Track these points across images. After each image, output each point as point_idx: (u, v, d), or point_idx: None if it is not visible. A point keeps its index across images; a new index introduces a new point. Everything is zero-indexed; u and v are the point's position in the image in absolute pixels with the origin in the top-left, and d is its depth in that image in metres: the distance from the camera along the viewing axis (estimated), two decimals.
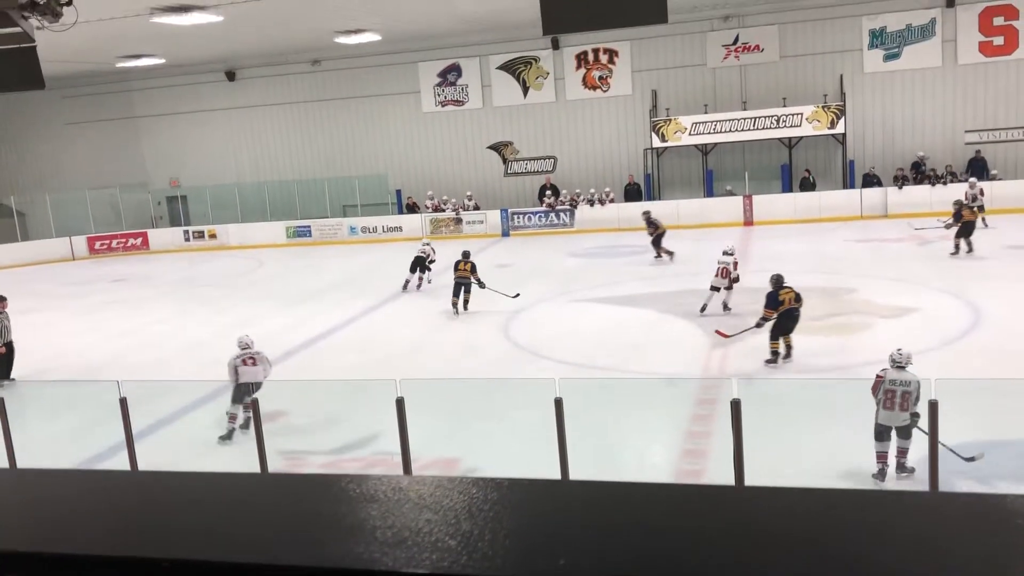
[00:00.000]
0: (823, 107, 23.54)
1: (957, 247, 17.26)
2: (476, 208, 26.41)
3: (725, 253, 14.07)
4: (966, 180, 21.69)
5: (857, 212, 22.59)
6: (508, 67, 27.30)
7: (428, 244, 18.45)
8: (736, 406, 5.42)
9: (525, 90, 27.30)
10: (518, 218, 25.69)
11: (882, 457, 7.58)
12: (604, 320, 14.48)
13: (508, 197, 27.62)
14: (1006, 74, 23.50)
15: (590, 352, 12.39)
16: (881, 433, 7.56)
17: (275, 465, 7.77)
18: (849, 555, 1.39)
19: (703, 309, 13.74)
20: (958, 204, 17.67)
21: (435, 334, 14.28)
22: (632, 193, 25.64)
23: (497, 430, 8.82)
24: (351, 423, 9.49)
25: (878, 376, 7.70)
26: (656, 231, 19.30)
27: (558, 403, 5.90)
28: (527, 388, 7.37)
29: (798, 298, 11.12)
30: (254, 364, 9.61)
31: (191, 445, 9.52)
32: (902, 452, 7.62)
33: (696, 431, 8.63)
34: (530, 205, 26.52)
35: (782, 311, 11.04)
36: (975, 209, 18.26)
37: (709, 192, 24.96)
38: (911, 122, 24.31)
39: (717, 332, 12.40)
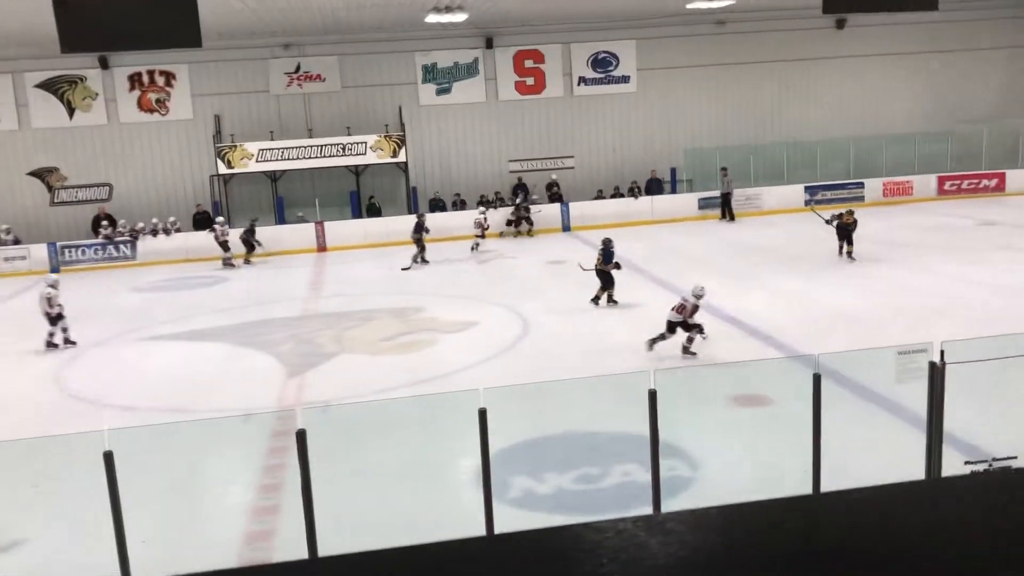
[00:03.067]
0: (385, 136, 24.67)
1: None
2: (16, 242, 23.32)
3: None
4: (513, 203, 24.43)
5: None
6: (49, 86, 24.59)
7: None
8: (301, 436, 5.39)
9: (71, 112, 24.80)
10: (70, 252, 23.18)
11: (662, 338, 11.73)
12: (174, 358, 13.63)
13: (56, 229, 24.81)
14: (538, 111, 26.69)
15: (158, 394, 11.57)
16: (669, 325, 11.75)
17: None
18: None
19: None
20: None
21: None
22: (201, 221, 24.53)
23: (44, 496, 7.81)
24: None
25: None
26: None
27: (107, 457, 5.38)
28: (73, 444, 6.62)
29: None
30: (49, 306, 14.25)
31: None
32: (689, 340, 11.71)
33: (272, 464, 8.46)
34: (83, 237, 24.10)
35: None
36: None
37: (280, 219, 24.80)
38: (464, 152, 26.50)
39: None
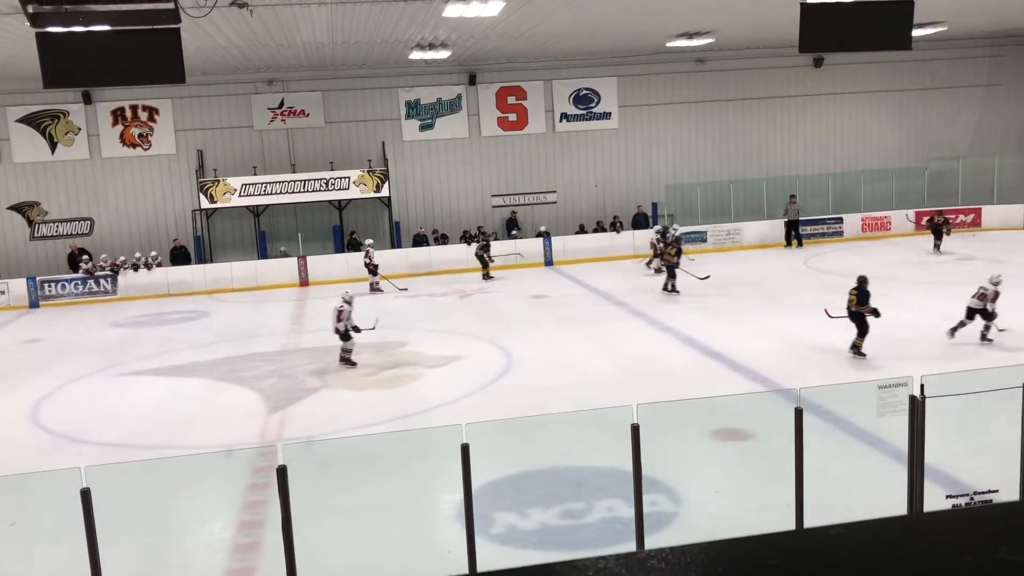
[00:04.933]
0: (369, 171, 24.76)
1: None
2: None
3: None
4: (493, 240, 24.47)
5: (405, 269, 24.01)
6: (31, 120, 24.56)
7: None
8: (282, 472, 5.35)
9: (53, 146, 24.74)
10: (49, 287, 23.01)
11: (962, 324, 13.04)
12: (153, 394, 13.50)
13: (36, 264, 24.67)
14: (520, 146, 26.90)
15: (138, 430, 11.45)
16: (969, 312, 13.02)
17: None
18: None
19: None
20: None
21: None
22: (180, 256, 24.45)
23: (20, 534, 7.68)
24: None
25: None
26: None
27: (85, 495, 5.31)
28: (50, 481, 6.54)
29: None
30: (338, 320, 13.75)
31: None
32: (987, 328, 13.00)
33: (253, 501, 8.37)
34: (63, 272, 23.96)
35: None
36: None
37: (263, 254, 24.76)
38: (447, 187, 26.63)
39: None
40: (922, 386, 6.40)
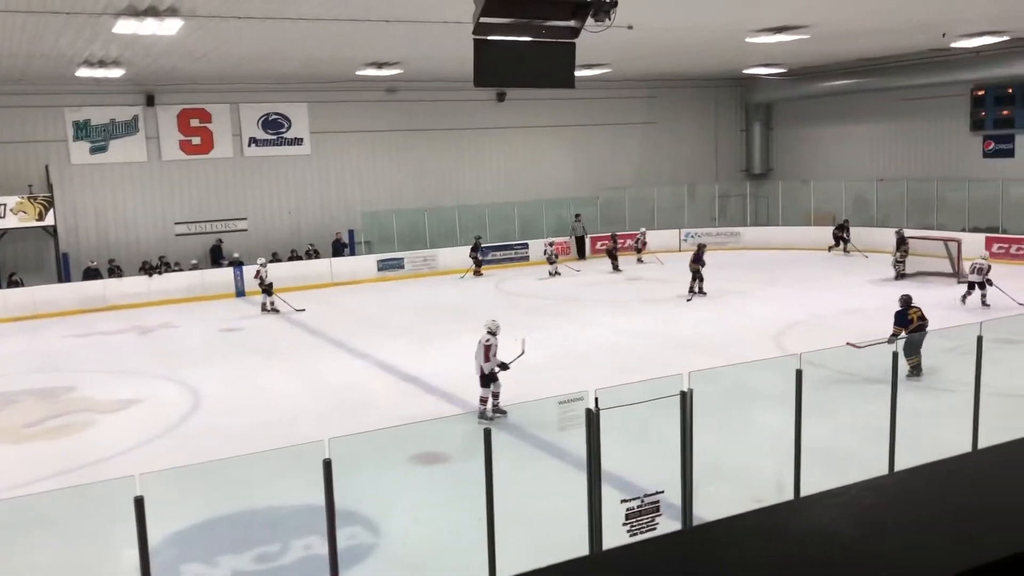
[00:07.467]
0: (30, 198, 22.22)
1: None
2: None
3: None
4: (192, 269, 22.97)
5: (76, 306, 21.79)
6: None
7: None
8: None
9: None
10: None
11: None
12: None
13: None
14: (206, 171, 25.58)
15: None
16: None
17: None
18: None
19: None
20: None
21: None
22: None
23: None
24: None
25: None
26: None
27: None
28: None
29: (922, 317, 12.37)
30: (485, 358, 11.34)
31: None
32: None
33: None
34: None
35: (911, 329, 12.02)
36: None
37: None
38: (123, 214, 24.63)
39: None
40: (596, 399, 6.88)
